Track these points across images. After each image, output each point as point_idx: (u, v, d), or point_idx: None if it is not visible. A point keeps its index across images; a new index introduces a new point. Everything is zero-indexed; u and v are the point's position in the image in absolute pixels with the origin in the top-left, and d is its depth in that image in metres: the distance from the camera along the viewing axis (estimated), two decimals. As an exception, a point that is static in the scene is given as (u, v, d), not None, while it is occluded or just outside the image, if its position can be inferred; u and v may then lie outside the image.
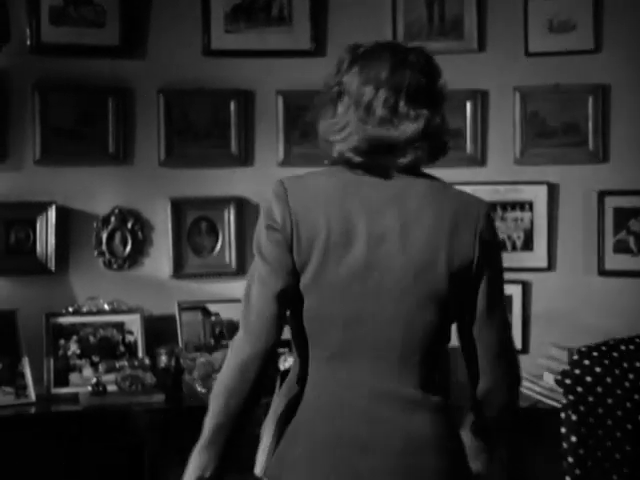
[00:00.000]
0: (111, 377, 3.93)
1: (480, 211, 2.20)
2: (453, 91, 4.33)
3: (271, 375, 2.23)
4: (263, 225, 2.19)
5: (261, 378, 2.15)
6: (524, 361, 4.21)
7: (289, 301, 2.14)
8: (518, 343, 4.33)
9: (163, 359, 4.11)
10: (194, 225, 4.35)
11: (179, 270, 4.33)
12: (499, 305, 2.24)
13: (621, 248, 4.26)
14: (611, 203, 4.25)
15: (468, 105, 4.34)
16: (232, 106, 4.34)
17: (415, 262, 2.11)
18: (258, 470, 2.19)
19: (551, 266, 4.31)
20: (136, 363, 3.96)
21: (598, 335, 4.23)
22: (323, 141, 2.25)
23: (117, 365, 3.94)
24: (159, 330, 4.26)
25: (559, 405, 3.83)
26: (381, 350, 2.12)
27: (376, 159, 2.17)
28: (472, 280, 2.18)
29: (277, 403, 2.24)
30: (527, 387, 4.09)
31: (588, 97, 4.25)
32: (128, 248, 4.29)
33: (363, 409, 2.11)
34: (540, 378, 4.10)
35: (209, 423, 2.17)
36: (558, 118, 4.29)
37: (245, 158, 4.37)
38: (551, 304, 4.30)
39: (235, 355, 2.15)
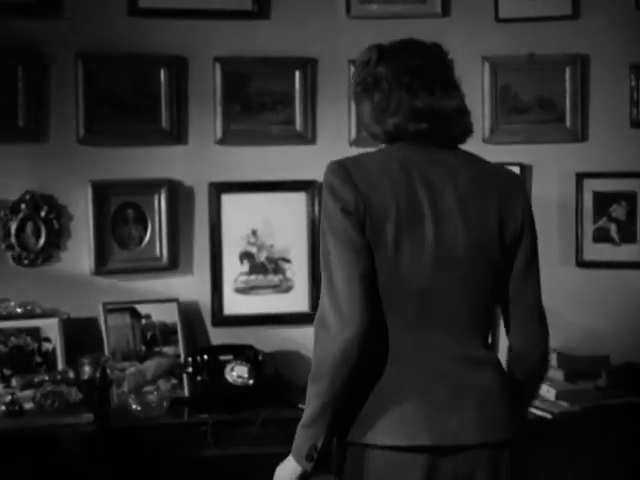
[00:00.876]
0: (28, 394, 3.31)
1: (520, 185, 2.47)
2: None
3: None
4: (337, 208, 2.25)
5: (362, 358, 2.22)
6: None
7: (372, 279, 2.24)
8: (487, 343, 3.89)
9: (87, 370, 3.50)
10: (119, 213, 3.74)
11: (102, 265, 3.72)
12: (536, 270, 2.43)
13: (601, 237, 3.84)
14: (590, 186, 3.83)
15: (431, 76, 3.86)
16: (163, 75, 3.74)
17: (475, 235, 2.30)
18: (351, 436, 2.27)
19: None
20: (58, 376, 3.35)
21: (576, 333, 3.84)
22: (372, 124, 2.37)
23: (35, 379, 3.32)
24: (81, 336, 3.65)
25: (549, 415, 3.40)
26: (452, 317, 2.29)
27: (427, 132, 2.32)
28: (517, 247, 2.37)
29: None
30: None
31: (565, 68, 3.82)
32: (42, 240, 3.65)
33: (443, 371, 2.26)
34: (519, 384, 3.66)
35: (314, 403, 2.26)
36: (532, 92, 3.84)
37: (178, 135, 3.78)
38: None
39: (334, 340, 2.21)
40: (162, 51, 3.74)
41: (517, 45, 3.83)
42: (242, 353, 3.64)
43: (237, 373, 3.53)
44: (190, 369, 3.58)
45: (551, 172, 3.86)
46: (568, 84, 3.82)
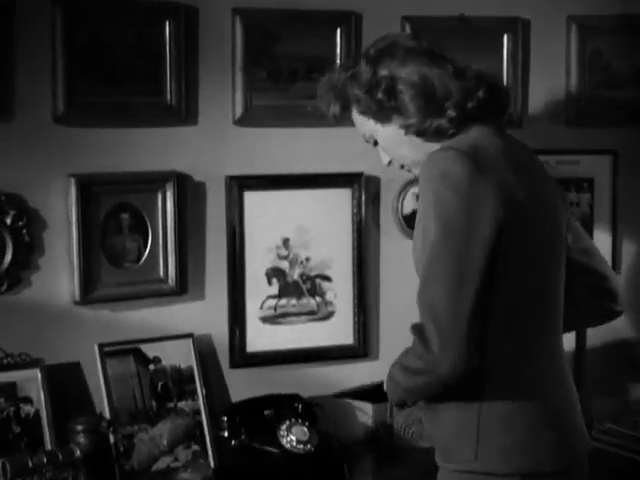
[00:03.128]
0: (18, 485, 2.28)
1: None
2: (483, 19, 3.11)
3: None
4: (469, 216, 1.90)
5: (455, 390, 1.98)
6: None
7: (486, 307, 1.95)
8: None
9: (81, 441, 2.49)
10: (111, 218, 2.72)
11: (90, 291, 2.69)
12: None
13: None
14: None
15: (505, 40, 3.03)
16: (167, 30, 2.75)
17: (559, 226, 2.13)
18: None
19: (616, 268, 3.10)
20: (60, 456, 2.32)
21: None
22: (426, 119, 2.03)
23: (30, 463, 2.29)
24: (64, 391, 2.63)
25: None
26: (556, 320, 2.10)
27: (488, 102, 2.06)
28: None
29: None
30: (621, 445, 2.87)
31: (667, 32, 3.09)
32: (7, 258, 2.58)
33: (562, 383, 2.11)
34: (635, 429, 2.89)
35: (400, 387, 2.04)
36: (628, 61, 3.08)
37: (186, 112, 2.79)
38: (617, 323, 3.09)
39: (428, 372, 1.93)
40: (167, -2, 2.77)
41: (611, 2, 3.06)
42: (288, 406, 2.71)
43: (296, 436, 2.59)
44: (226, 432, 2.63)
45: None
46: (672, 52, 3.09)
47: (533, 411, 2.01)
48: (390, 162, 2.19)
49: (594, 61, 3.06)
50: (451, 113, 2.02)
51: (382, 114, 2.08)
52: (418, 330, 1.94)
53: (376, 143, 2.17)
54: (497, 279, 1.94)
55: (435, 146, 2.05)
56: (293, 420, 2.63)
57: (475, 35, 3.00)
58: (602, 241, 3.08)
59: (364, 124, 2.14)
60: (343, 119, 2.19)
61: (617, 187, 3.09)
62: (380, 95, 2.06)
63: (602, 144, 3.08)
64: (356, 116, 2.16)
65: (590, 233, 3.09)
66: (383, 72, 2.07)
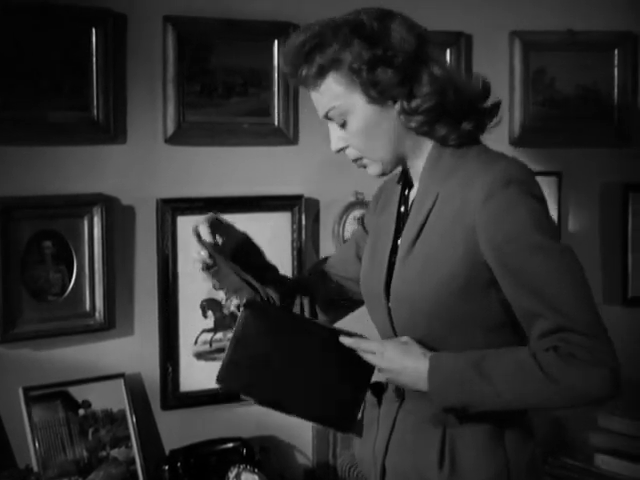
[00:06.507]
0: None
1: None
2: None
3: None
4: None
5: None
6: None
7: None
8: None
9: (5, 498, 2.22)
10: (32, 246, 2.44)
11: (9, 328, 2.40)
12: None
13: (655, 266, 3.04)
14: (641, 201, 3.03)
15: (447, 55, 2.89)
16: (94, 39, 2.50)
17: None
18: None
19: (561, 294, 2.99)
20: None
21: (635, 388, 3.02)
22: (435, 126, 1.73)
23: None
24: (-16, 441, 2.35)
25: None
26: None
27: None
28: None
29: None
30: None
31: (613, 51, 2.99)
32: None
33: None
34: (589, 463, 2.76)
35: (529, 397, 1.66)
36: (573, 79, 2.97)
37: (114, 129, 2.54)
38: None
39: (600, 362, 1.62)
40: (92, 4, 2.49)
41: (555, 19, 2.96)
42: (233, 450, 2.48)
43: (246, 480, 2.36)
44: (169, 483, 2.38)
45: (592, 184, 3.02)
46: (616, 70, 2.99)
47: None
48: (342, 149, 1.76)
49: (538, 79, 2.94)
50: (466, 126, 1.74)
51: (388, 93, 1.68)
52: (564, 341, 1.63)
53: (344, 124, 1.72)
54: None
55: (424, 145, 1.73)
56: (241, 466, 2.40)
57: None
58: (547, 266, 2.98)
59: (339, 97, 1.70)
60: (309, 84, 1.72)
61: (562, 209, 2.97)
62: (395, 71, 1.66)
63: (546, 165, 2.96)
64: (331, 85, 1.70)
65: (535, 258, 2.99)
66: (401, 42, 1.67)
